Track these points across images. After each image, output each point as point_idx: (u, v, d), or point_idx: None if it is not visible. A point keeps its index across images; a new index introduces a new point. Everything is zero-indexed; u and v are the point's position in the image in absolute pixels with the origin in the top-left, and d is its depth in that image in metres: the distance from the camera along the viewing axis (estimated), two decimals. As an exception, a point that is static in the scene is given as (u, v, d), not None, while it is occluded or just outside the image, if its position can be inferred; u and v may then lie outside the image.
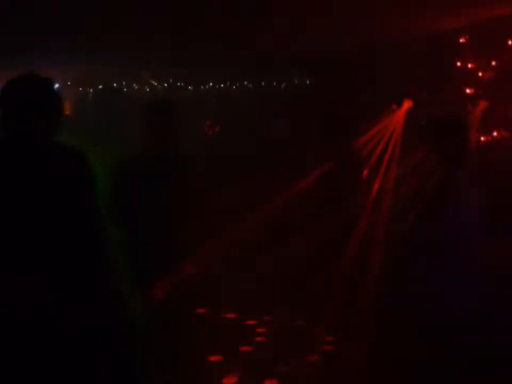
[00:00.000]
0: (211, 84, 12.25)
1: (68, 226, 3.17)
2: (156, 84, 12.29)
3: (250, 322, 6.75)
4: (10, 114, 3.20)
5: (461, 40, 7.38)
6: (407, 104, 7.49)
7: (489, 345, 4.54)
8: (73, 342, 3.14)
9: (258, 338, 6.40)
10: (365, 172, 6.48)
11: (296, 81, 11.39)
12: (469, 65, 7.33)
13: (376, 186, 6.37)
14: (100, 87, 12.60)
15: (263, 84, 11.71)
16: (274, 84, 11.59)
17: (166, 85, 12.31)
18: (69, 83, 12.38)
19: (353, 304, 5.24)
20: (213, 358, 5.86)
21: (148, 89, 12.36)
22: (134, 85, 12.41)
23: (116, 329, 3.34)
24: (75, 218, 3.20)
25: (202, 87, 12.35)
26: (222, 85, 12.24)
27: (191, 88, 12.38)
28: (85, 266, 3.22)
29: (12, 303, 3.02)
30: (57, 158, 3.26)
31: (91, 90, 12.70)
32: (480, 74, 7.24)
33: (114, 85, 12.50)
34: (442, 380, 3.74)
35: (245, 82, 12.04)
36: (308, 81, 11.15)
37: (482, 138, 7.08)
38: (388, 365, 4.64)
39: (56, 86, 10.24)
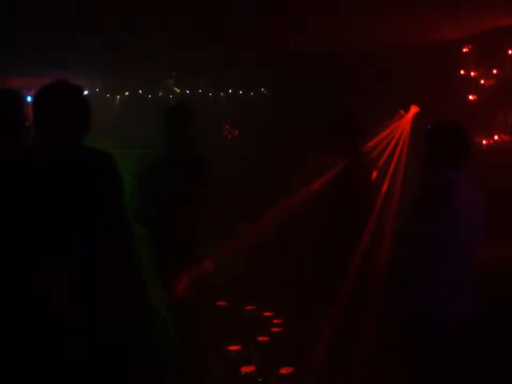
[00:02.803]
0: (230, 91, 12.29)
1: (96, 225, 3.18)
2: (178, 90, 12.36)
3: (266, 313, 6.78)
4: (43, 120, 3.23)
5: (464, 50, 7.40)
6: (414, 110, 7.47)
7: (489, 345, 4.48)
8: (96, 337, 3.15)
9: (274, 329, 6.43)
10: (374, 173, 6.46)
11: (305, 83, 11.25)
12: (472, 74, 7.35)
13: (384, 187, 6.36)
14: (126, 93, 12.68)
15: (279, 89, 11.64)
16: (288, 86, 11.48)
17: (187, 91, 12.36)
18: (97, 90, 12.45)
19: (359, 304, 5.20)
20: (232, 348, 5.91)
21: (171, 96, 12.41)
22: (160, 93, 12.47)
23: (138, 324, 3.35)
24: (103, 216, 3.21)
25: (222, 93, 12.39)
26: (241, 92, 12.26)
27: (211, 95, 12.42)
28: (112, 261, 3.22)
29: (43, 300, 3.04)
30: (87, 160, 3.28)
31: (118, 97, 12.77)
32: (482, 81, 7.26)
33: (140, 92, 12.58)
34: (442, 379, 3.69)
35: (262, 89, 12.05)
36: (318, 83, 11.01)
37: (484, 142, 7.08)
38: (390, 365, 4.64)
39: (85, 92, 10.30)
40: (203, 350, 4.99)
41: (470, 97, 7.40)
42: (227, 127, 12.17)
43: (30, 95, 8.49)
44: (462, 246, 3.58)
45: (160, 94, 12.51)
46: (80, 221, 3.15)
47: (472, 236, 3.62)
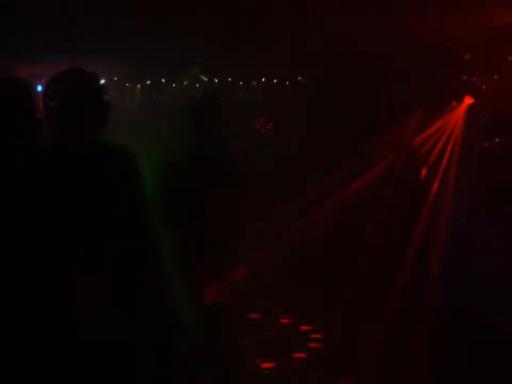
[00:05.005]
0: (263, 80, 10.57)
1: (115, 223, 3.11)
2: (205, 79, 10.68)
3: (276, 308, 6.88)
4: (56, 114, 3.12)
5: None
6: (467, 101, 6.94)
7: (489, 345, 4.51)
8: (119, 339, 3.12)
9: (284, 321, 6.54)
10: (424, 172, 6.13)
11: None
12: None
13: (435, 186, 6.03)
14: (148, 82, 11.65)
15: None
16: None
17: (216, 80, 10.61)
18: (115, 78, 11.53)
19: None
20: (245, 341, 5.96)
21: (197, 85, 10.77)
22: (185, 82, 11.32)
23: (162, 326, 3.29)
24: (122, 213, 3.14)
25: (254, 83, 10.72)
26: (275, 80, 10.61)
27: (242, 84, 10.75)
28: (132, 263, 3.17)
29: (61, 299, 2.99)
30: (104, 157, 3.19)
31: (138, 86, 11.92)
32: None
33: (163, 80, 11.55)
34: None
35: (299, 78, 10.38)
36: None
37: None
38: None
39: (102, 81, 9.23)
40: (217, 339, 4.74)
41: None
42: (260, 120, 11.11)
43: (40, 84, 7.92)
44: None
45: (185, 83, 11.56)
46: (93, 218, 3.06)
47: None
